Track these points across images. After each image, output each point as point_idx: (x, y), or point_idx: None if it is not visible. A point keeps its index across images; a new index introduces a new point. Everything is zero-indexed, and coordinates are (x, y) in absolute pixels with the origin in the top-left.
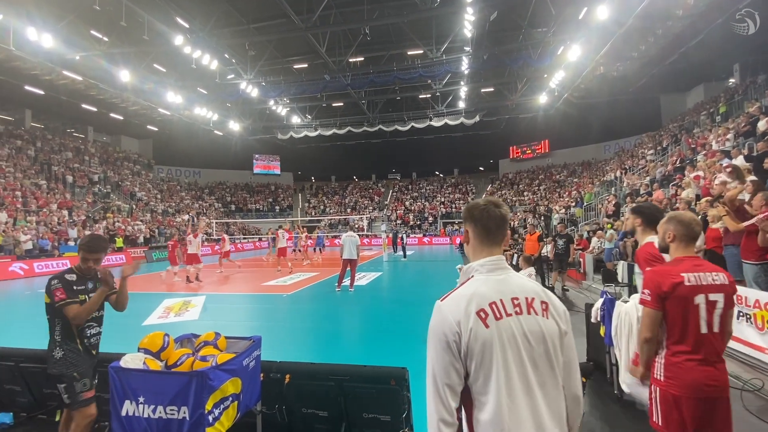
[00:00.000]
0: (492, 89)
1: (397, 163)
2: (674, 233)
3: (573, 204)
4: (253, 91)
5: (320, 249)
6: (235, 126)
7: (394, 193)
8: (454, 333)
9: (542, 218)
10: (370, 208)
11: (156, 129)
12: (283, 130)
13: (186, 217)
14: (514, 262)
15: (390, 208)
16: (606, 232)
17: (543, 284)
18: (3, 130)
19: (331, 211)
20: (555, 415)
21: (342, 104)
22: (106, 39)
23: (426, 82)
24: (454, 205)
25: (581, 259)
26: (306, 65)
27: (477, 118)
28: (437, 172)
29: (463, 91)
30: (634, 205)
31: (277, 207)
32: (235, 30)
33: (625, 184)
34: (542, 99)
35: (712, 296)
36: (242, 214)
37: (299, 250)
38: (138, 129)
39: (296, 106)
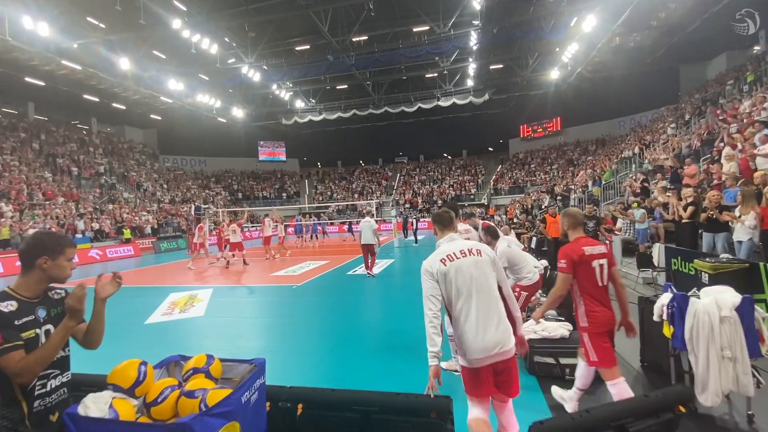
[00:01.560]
0: (501, 66)
1: (404, 146)
2: (569, 223)
3: (590, 183)
4: (255, 76)
5: (315, 236)
6: (238, 112)
7: (402, 177)
8: (431, 270)
9: (560, 198)
10: (378, 192)
11: (159, 118)
12: (287, 115)
13: (193, 206)
14: (532, 246)
15: (398, 192)
16: (636, 211)
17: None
18: (7, 124)
19: (338, 196)
20: (498, 315)
21: (346, 86)
22: (102, 26)
23: (433, 59)
24: (463, 188)
25: (608, 241)
26: (308, 46)
27: (486, 97)
28: (445, 154)
29: (472, 68)
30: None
31: (284, 194)
32: (234, 12)
33: (646, 161)
34: (554, 74)
35: (601, 261)
36: (249, 202)
37: (302, 237)
38: (141, 118)
39: (300, 89)
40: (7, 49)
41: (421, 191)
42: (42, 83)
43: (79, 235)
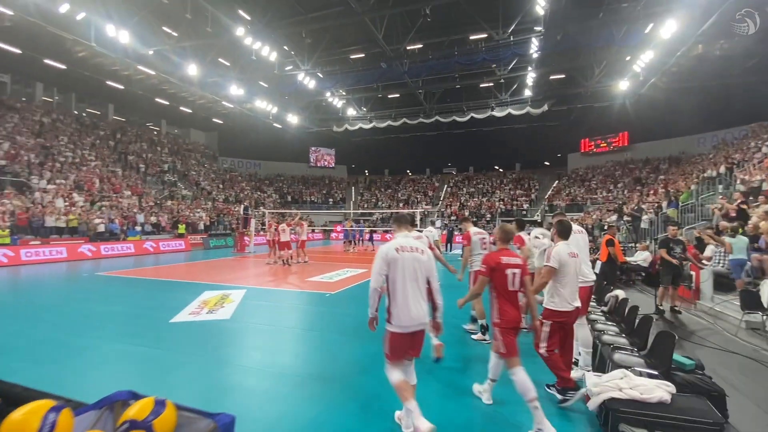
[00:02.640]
0: (563, 76)
1: (453, 156)
2: (497, 236)
3: (665, 203)
4: (310, 83)
5: (352, 242)
6: (293, 119)
7: (449, 188)
8: (385, 255)
9: (629, 219)
10: (424, 202)
11: (221, 122)
12: (338, 123)
13: (242, 206)
14: (596, 270)
15: (444, 204)
16: (736, 239)
17: (610, 299)
18: (89, 123)
19: (384, 205)
20: (422, 299)
21: (398, 95)
22: (175, 34)
23: (489, 67)
24: (515, 203)
25: (692, 272)
26: (363, 55)
27: (545, 107)
28: (497, 167)
29: (531, 77)
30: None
31: (331, 199)
32: (293, 20)
33: (738, 181)
34: (623, 85)
35: (515, 270)
36: (297, 206)
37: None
38: (205, 122)
39: (352, 97)
40: (92, 54)
41: (468, 203)
42: (121, 87)
43: (137, 228)
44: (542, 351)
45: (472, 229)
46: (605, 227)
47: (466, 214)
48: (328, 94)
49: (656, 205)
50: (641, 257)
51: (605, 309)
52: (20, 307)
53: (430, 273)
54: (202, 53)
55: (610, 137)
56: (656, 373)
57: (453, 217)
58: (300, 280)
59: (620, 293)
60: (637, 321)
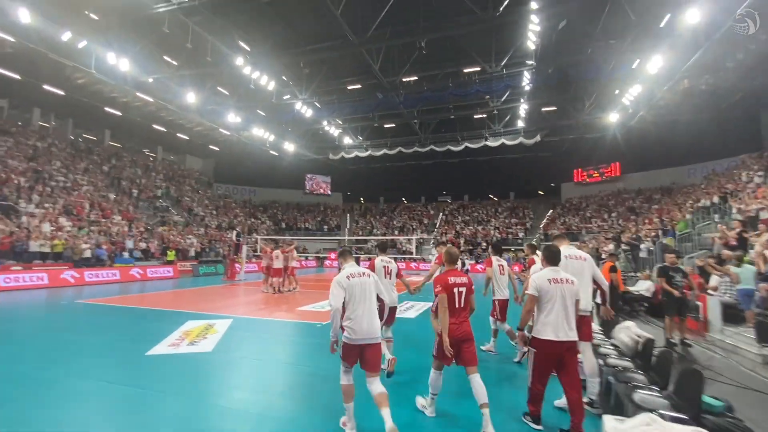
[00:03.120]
0: (555, 108)
1: (449, 185)
2: (446, 259)
3: (660, 232)
4: (308, 112)
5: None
6: (289, 146)
7: (444, 216)
8: (341, 283)
9: (627, 248)
10: (419, 230)
11: (217, 149)
12: (334, 151)
13: (234, 232)
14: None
15: (440, 232)
16: (742, 269)
17: (611, 330)
18: (84, 147)
19: (378, 232)
20: (374, 315)
21: (394, 125)
22: (175, 63)
23: (483, 99)
24: (510, 231)
25: (700, 303)
26: (359, 86)
27: (538, 138)
28: (491, 196)
29: (523, 109)
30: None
31: (326, 226)
32: (291, 51)
33: (735, 210)
34: (612, 117)
35: (461, 288)
36: (292, 232)
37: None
38: (201, 149)
39: (348, 126)
40: (92, 81)
41: (464, 232)
42: (119, 113)
43: (125, 254)
44: (529, 382)
45: (495, 258)
46: (602, 256)
47: (461, 242)
48: (324, 122)
49: (654, 233)
50: (643, 287)
51: (616, 342)
52: None
53: (378, 289)
54: (202, 82)
55: (602, 167)
56: (686, 417)
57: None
58: (290, 310)
59: (631, 325)
60: (654, 356)
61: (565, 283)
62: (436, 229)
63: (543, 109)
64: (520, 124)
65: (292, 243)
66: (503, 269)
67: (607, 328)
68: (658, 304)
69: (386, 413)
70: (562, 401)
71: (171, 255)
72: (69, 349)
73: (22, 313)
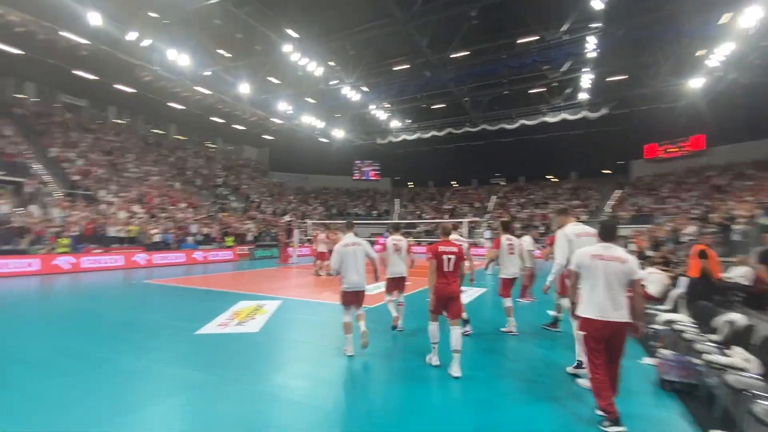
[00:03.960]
0: (625, 76)
1: (502, 166)
2: (441, 232)
3: (759, 212)
4: (355, 96)
5: None
6: (338, 133)
7: (498, 199)
8: (339, 250)
9: (719, 229)
10: (470, 214)
11: (271, 138)
12: (382, 135)
13: (286, 217)
14: (679, 289)
15: (493, 216)
16: None
17: (724, 326)
18: (153, 141)
19: (427, 216)
20: (361, 272)
21: (443, 105)
22: (228, 55)
23: (541, 70)
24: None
25: None
26: (406, 66)
27: (604, 111)
28: (550, 177)
29: (587, 79)
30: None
31: (375, 212)
32: (338, 35)
33: None
34: (695, 83)
35: (450, 256)
36: (342, 218)
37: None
38: (256, 139)
39: (396, 108)
40: (156, 78)
41: (519, 215)
42: (181, 107)
43: (189, 239)
44: (588, 372)
45: (568, 230)
46: (680, 239)
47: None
48: (372, 106)
49: (749, 214)
50: (739, 273)
51: (716, 338)
52: (58, 313)
53: (369, 252)
54: (253, 72)
55: (681, 141)
56: None
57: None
58: (337, 292)
59: (738, 318)
60: None
61: (611, 260)
62: (488, 213)
63: (610, 78)
64: (583, 96)
65: (328, 228)
66: (512, 248)
67: (703, 318)
68: (761, 294)
69: (362, 324)
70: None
71: (230, 240)
72: (126, 327)
73: (94, 292)
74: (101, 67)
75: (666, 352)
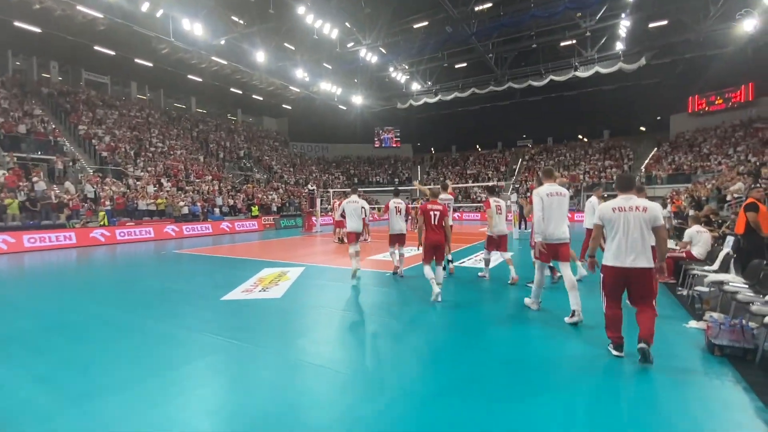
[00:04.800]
0: (666, 22)
1: (529, 127)
2: (430, 194)
3: None
4: (373, 58)
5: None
6: (357, 99)
7: (525, 162)
8: (343, 205)
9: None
10: (495, 179)
11: (289, 107)
12: (402, 99)
13: (308, 187)
14: (729, 250)
15: (519, 179)
16: None
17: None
18: (175, 116)
19: (450, 182)
20: (358, 220)
21: (465, 65)
22: (241, 21)
23: (572, 19)
24: (602, 174)
25: None
26: (426, 23)
27: (642, 61)
28: (581, 136)
29: (624, 26)
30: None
31: (397, 179)
32: None
33: None
34: (748, 25)
35: (435, 212)
36: (364, 187)
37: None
38: (275, 109)
39: (415, 70)
40: (174, 50)
41: None
42: (200, 79)
43: (216, 210)
44: (603, 307)
45: (541, 189)
46: (727, 198)
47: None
48: (391, 69)
49: None
50: None
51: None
52: (93, 283)
53: (363, 207)
54: (268, 38)
55: (728, 91)
56: None
57: (529, 193)
58: (361, 259)
59: None
60: None
61: (632, 210)
62: (514, 177)
63: (650, 25)
64: (620, 46)
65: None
66: (500, 209)
67: (755, 275)
68: None
69: (358, 259)
70: (571, 318)
71: (255, 210)
72: (155, 295)
73: (126, 263)
74: (119, 42)
75: (715, 315)
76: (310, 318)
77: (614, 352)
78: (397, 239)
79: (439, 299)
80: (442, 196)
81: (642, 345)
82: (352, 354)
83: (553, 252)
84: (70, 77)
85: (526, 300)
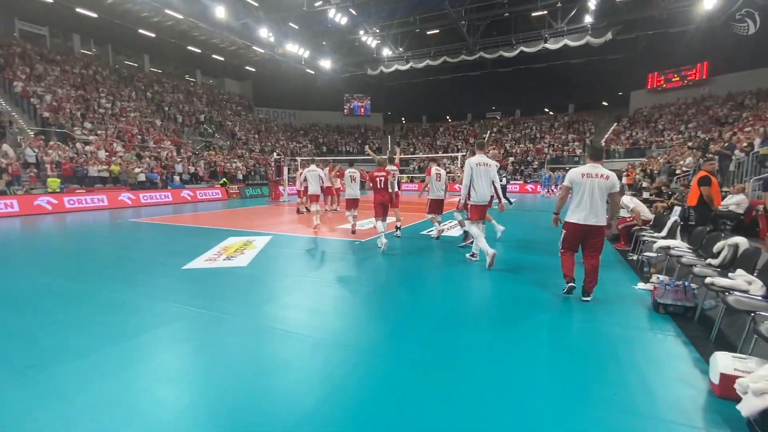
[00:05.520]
0: None
1: (498, 99)
2: (377, 162)
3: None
4: (342, 19)
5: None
6: (325, 63)
7: (493, 134)
8: (304, 173)
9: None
10: (464, 151)
11: (254, 70)
12: (372, 65)
13: (275, 155)
14: (676, 218)
15: (486, 151)
16: None
17: (725, 249)
18: (127, 75)
19: (421, 153)
20: (316, 185)
21: (437, 31)
22: None
23: None
24: (566, 148)
25: None
26: None
27: (608, 36)
28: (547, 110)
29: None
30: None
31: (367, 148)
32: None
33: None
34: (708, 3)
35: (380, 177)
36: (333, 156)
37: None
38: (238, 71)
39: (387, 34)
40: (121, 1)
41: (514, 150)
42: (153, 35)
43: (176, 178)
44: (560, 252)
45: (434, 168)
46: (677, 171)
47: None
48: (361, 32)
49: (746, 143)
50: (733, 201)
51: (714, 262)
52: (40, 252)
53: (320, 176)
54: None
55: (685, 69)
56: None
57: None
58: (330, 228)
59: (742, 241)
60: None
61: (597, 177)
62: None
63: None
64: (588, 19)
65: (329, 164)
66: (440, 177)
67: (698, 241)
68: (750, 223)
69: (317, 216)
70: (471, 256)
71: (225, 181)
72: (110, 264)
73: (77, 232)
74: None
75: (662, 277)
76: (277, 285)
77: (566, 287)
78: (353, 203)
79: (385, 249)
80: (389, 167)
81: (585, 298)
82: (320, 319)
83: (479, 211)
84: (1, 27)
85: (467, 255)
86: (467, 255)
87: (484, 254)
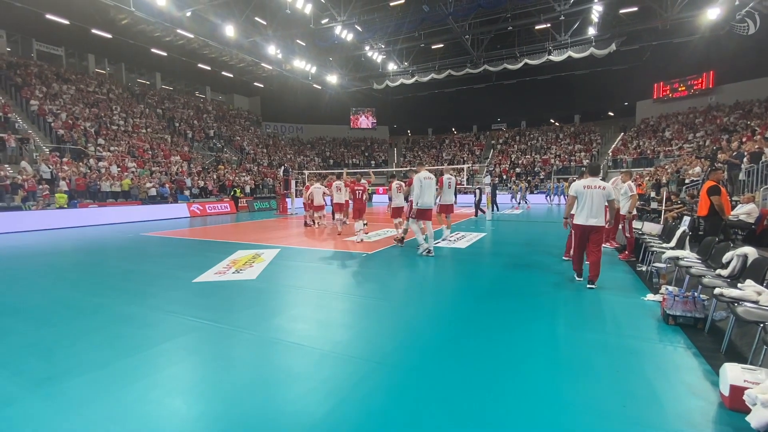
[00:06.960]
0: (636, 8)
1: (503, 111)
2: (361, 176)
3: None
4: (348, 36)
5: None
6: (332, 78)
7: (499, 146)
8: (311, 189)
9: (724, 168)
10: (470, 162)
11: (261, 86)
12: (378, 79)
13: (281, 168)
14: (685, 228)
15: (493, 162)
16: None
17: (734, 260)
18: (139, 92)
19: (427, 165)
20: (320, 198)
21: (442, 45)
22: None
23: (547, 2)
24: (573, 158)
25: None
26: (403, 0)
27: (612, 47)
28: (552, 121)
29: (596, 12)
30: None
31: (373, 161)
32: None
33: None
34: (712, 14)
35: (359, 189)
36: (340, 169)
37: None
38: (246, 86)
39: (392, 49)
40: (135, 21)
41: (520, 161)
42: (164, 53)
43: (186, 192)
44: (572, 251)
45: (420, 174)
46: (686, 180)
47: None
48: (367, 48)
49: (756, 149)
50: (743, 210)
51: (724, 273)
52: (51, 266)
53: (324, 192)
54: (237, 11)
55: (690, 79)
56: None
57: (503, 176)
58: (338, 240)
59: (751, 252)
60: None
61: (595, 188)
62: (488, 160)
63: (621, 11)
64: (592, 31)
65: (331, 179)
66: (401, 188)
67: (707, 251)
68: (761, 233)
69: (322, 222)
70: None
71: (239, 192)
72: (122, 277)
73: (89, 246)
74: (74, 11)
75: (671, 288)
76: (285, 298)
77: (576, 279)
78: (340, 207)
79: (359, 240)
80: (362, 180)
81: (590, 285)
82: (327, 331)
83: (424, 214)
84: (20, 48)
85: (419, 249)
86: (420, 251)
87: (429, 247)
